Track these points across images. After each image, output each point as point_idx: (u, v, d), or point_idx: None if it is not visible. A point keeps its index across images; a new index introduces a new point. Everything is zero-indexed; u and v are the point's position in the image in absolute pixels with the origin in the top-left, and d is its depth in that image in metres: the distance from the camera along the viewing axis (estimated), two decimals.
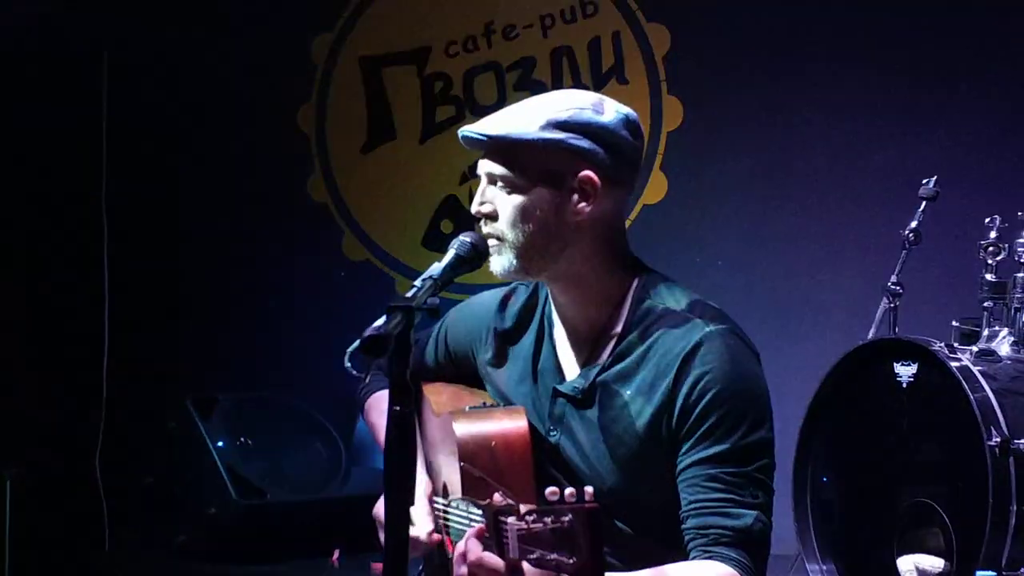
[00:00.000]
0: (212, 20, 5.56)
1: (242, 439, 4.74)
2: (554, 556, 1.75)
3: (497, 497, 1.89)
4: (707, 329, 2.16)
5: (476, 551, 1.91)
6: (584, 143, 2.17)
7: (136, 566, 4.66)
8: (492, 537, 1.86)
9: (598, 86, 5.30)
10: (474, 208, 2.23)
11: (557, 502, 1.77)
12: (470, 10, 5.51)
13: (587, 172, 2.17)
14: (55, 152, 5.48)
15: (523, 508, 1.80)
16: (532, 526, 1.77)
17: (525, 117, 2.18)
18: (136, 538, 5.02)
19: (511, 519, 1.80)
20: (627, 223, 2.34)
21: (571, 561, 1.73)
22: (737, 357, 2.16)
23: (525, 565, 1.82)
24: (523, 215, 2.17)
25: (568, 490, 1.78)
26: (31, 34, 5.38)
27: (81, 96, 5.48)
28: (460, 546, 1.98)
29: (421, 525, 2.29)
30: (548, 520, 1.75)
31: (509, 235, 2.19)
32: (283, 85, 5.67)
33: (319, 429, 4.95)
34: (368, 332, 1.79)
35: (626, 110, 2.23)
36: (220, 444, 4.63)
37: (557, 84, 5.34)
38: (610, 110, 2.20)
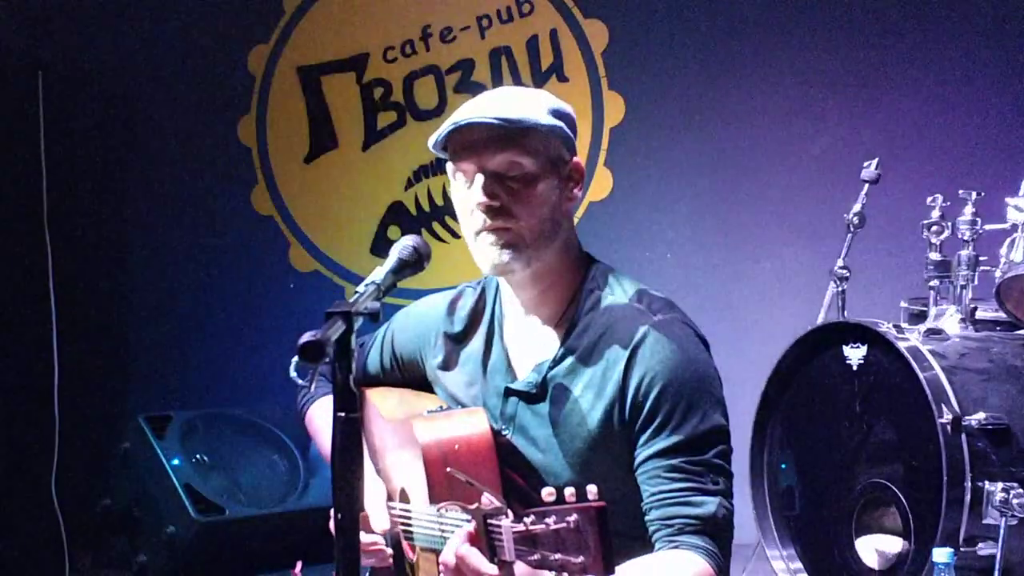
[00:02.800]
0: (147, 35, 5.52)
1: (198, 456, 4.69)
2: (558, 556, 1.74)
3: (485, 499, 1.88)
4: (654, 319, 2.18)
5: (467, 553, 1.90)
6: (570, 132, 2.24)
7: None
8: (483, 540, 1.85)
9: (538, 84, 5.30)
10: (478, 201, 2.18)
11: (556, 502, 1.76)
12: (406, 14, 5.49)
13: (577, 160, 2.25)
14: None
15: (516, 510, 1.79)
16: (532, 527, 1.76)
17: (530, 104, 2.20)
18: (96, 562, 4.97)
19: (505, 521, 1.79)
20: (575, 220, 2.36)
21: (578, 560, 1.72)
22: (685, 346, 2.17)
23: (521, 567, 1.81)
24: (539, 202, 2.19)
25: (568, 490, 1.77)
26: None
27: (17, 116, 5.41)
28: (446, 551, 1.96)
29: (379, 527, 2.28)
30: (550, 521, 1.74)
31: (523, 224, 2.18)
32: (221, 98, 5.63)
33: (275, 442, 4.92)
34: (305, 338, 1.78)
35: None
36: (176, 462, 4.58)
37: (497, 84, 5.32)
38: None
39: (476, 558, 1.89)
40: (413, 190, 5.45)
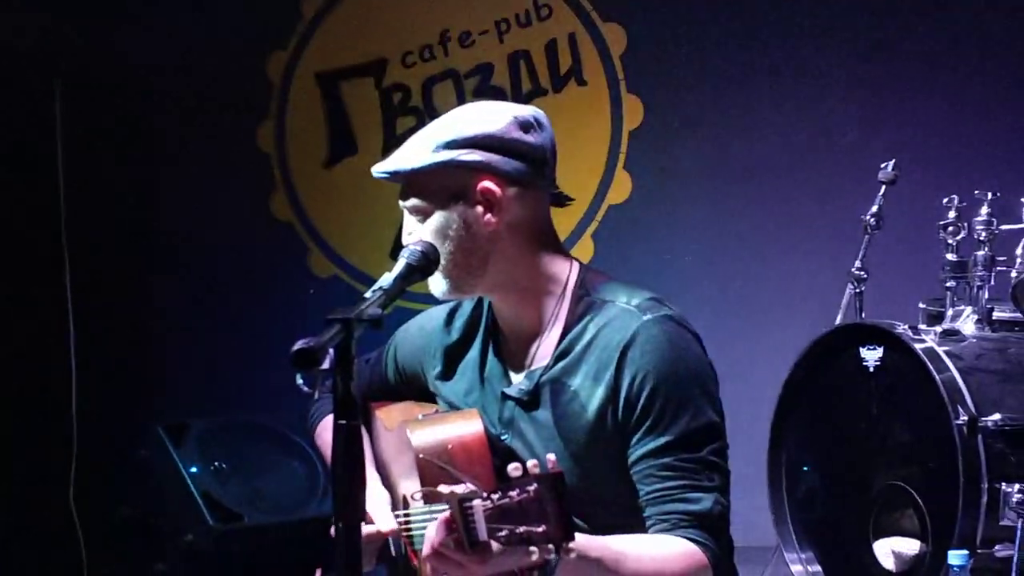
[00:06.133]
0: (164, 43, 5.53)
1: (216, 463, 4.69)
2: (523, 528, 1.75)
3: (460, 486, 1.89)
4: (644, 318, 2.19)
5: (442, 536, 1.91)
6: (476, 156, 2.20)
7: None
8: (460, 525, 1.85)
9: (557, 88, 5.31)
10: (404, 240, 2.28)
11: (521, 476, 1.77)
12: (425, 19, 5.49)
13: (485, 183, 2.21)
14: (9, 185, 5.43)
15: (487, 491, 1.80)
16: (498, 503, 1.76)
17: (418, 146, 2.24)
18: (115, 571, 4.98)
19: (476, 502, 1.79)
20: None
21: (540, 529, 1.73)
22: (675, 343, 2.18)
23: (495, 546, 1.81)
24: (439, 238, 2.21)
25: (531, 462, 1.78)
26: None
27: (34, 123, 5.43)
28: (425, 543, 1.96)
29: (383, 523, 2.30)
30: (513, 493, 1.75)
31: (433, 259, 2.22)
32: (240, 105, 5.64)
33: (294, 449, 4.90)
34: (298, 345, 1.78)
35: (519, 110, 2.25)
36: (194, 470, 4.58)
37: (516, 89, 5.33)
38: (500, 115, 2.23)
39: (454, 540, 1.89)
40: None
